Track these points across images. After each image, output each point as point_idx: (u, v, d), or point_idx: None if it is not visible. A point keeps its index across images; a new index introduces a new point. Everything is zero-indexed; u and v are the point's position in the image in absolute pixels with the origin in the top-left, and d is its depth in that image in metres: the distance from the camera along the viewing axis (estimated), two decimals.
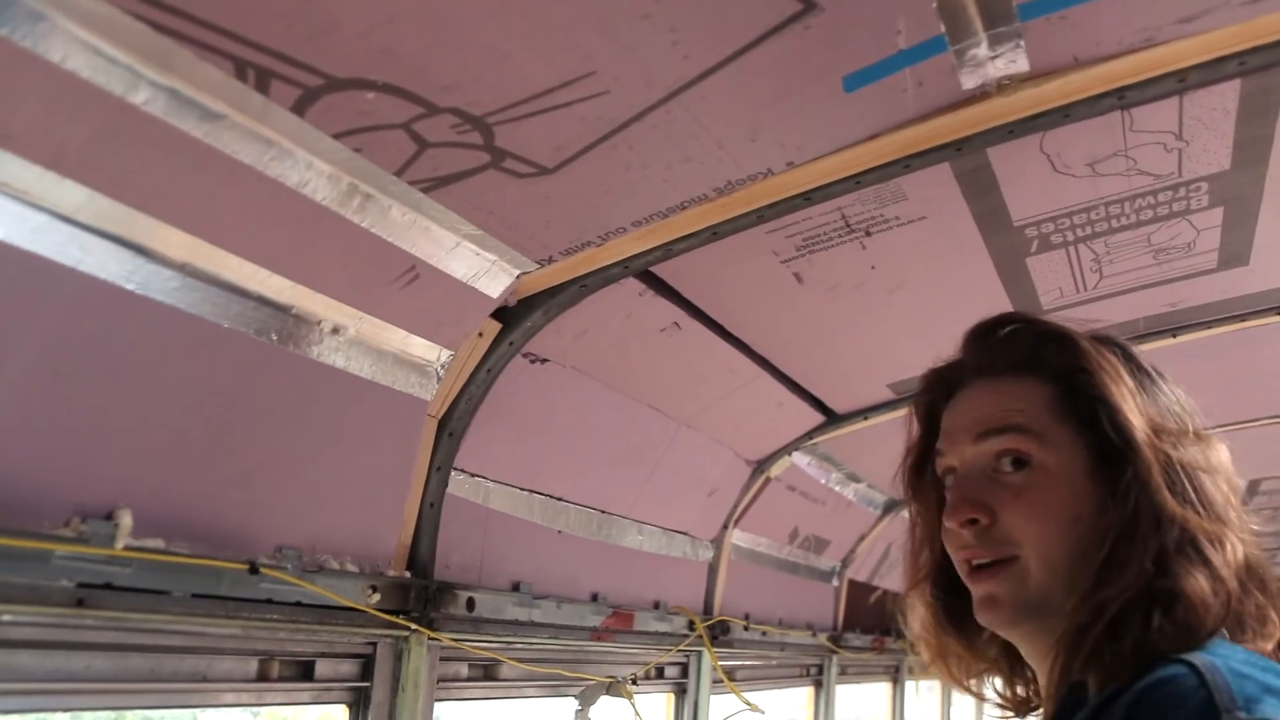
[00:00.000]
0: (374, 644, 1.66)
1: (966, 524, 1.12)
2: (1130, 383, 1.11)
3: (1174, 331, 2.37)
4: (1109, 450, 1.09)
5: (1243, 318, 2.31)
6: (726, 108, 1.30)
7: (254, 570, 1.38)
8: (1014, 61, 1.30)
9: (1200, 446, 1.10)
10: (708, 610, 2.84)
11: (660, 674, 2.69)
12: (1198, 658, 0.91)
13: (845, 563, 3.76)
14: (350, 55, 1.07)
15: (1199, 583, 0.99)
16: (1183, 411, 1.13)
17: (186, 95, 1.08)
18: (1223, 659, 0.91)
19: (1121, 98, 1.36)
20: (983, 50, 1.27)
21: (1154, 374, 1.15)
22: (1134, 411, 1.08)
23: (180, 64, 1.04)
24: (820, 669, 3.79)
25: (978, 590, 1.12)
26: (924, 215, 1.69)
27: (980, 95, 1.36)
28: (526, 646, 2.02)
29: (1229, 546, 1.03)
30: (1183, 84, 1.34)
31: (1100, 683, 0.97)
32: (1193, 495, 1.05)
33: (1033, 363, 1.16)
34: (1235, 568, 1.03)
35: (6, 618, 1.13)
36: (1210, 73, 1.32)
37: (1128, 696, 0.91)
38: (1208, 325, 2.35)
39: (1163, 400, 1.13)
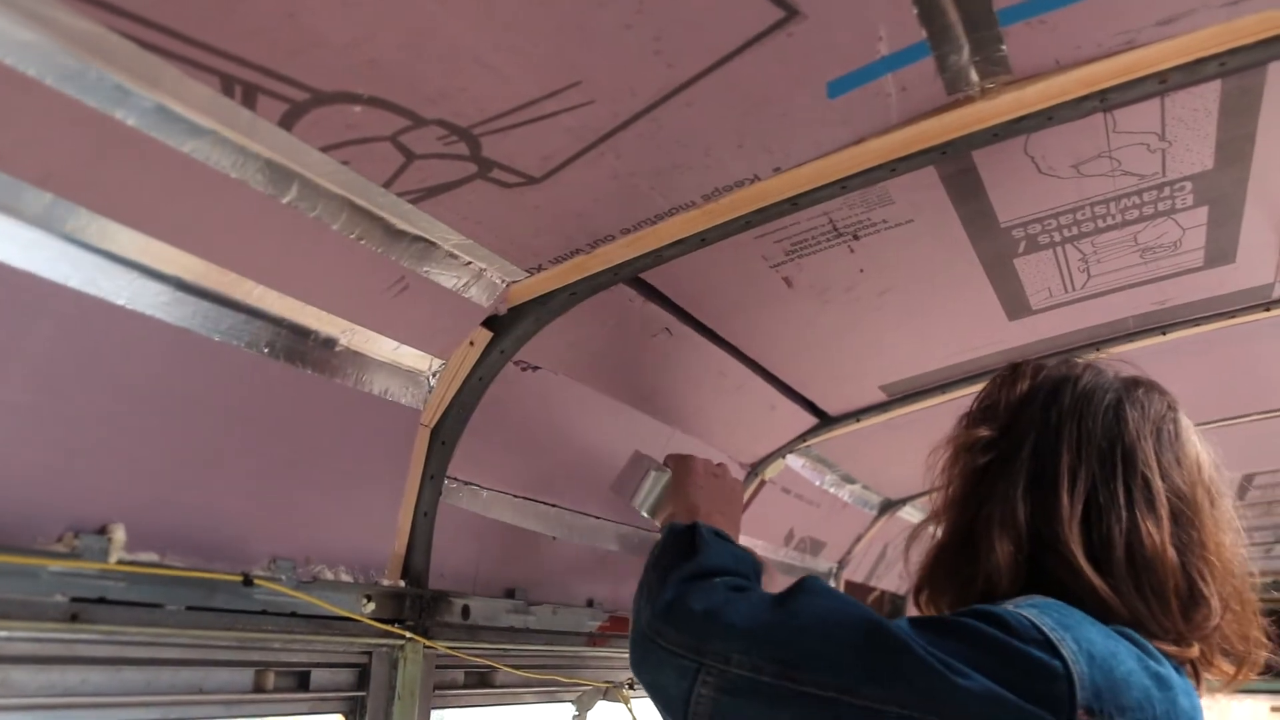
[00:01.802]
0: (369, 653, 1.66)
1: None
2: (988, 396, 1.48)
3: (1163, 329, 2.38)
4: None
5: (1231, 314, 2.32)
6: (712, 115, 1.30)
7: (248, 582, 1.39)
8: (996, 66, 1.31)
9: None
10: None
11: None
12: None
13: (842, 564, 3.76)
14: (336, 69, 1.08)
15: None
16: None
17: (174, 111, 1.08)
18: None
19: (1104, 100, 1.37)
20: (964, 55, 1.28)
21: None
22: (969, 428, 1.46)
23: (167, 81, 1.04)
24: None
25: None
26: (911, 218, 1.70)
27: (963, 99, 1.37)
28: (522, 653, 2.02)
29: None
30: (1164, 85, 1.35)
31: None
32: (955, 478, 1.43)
33: None
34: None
35: (1, 634, 1.14)
36: (1191, 74, 1.33)
37: None
38: (1196, 322, 2.36)
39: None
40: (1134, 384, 1.39)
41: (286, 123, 1.14)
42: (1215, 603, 1.26)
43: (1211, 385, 2.82)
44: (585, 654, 2.25)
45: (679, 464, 1.86)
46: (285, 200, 1.24)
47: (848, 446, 2.95)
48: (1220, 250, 1.97)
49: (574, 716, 2.27)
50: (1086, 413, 1.34)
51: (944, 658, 1.07)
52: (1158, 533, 1.25)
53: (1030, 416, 1.38)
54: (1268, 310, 2.30)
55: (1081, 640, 1.10)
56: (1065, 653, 1.07)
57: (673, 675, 1.23)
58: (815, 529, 3.38)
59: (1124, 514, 1.26)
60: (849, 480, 3.33)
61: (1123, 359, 1.46)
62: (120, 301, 1.19)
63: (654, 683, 1.29)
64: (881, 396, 2.68)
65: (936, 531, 1.44)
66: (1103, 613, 1.20)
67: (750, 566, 1.50)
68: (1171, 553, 1.25)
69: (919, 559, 1.45)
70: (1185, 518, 1.29)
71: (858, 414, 2.75)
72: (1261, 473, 3.85)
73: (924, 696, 1.05)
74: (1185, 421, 1.38)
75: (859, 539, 3.72)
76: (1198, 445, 1.36)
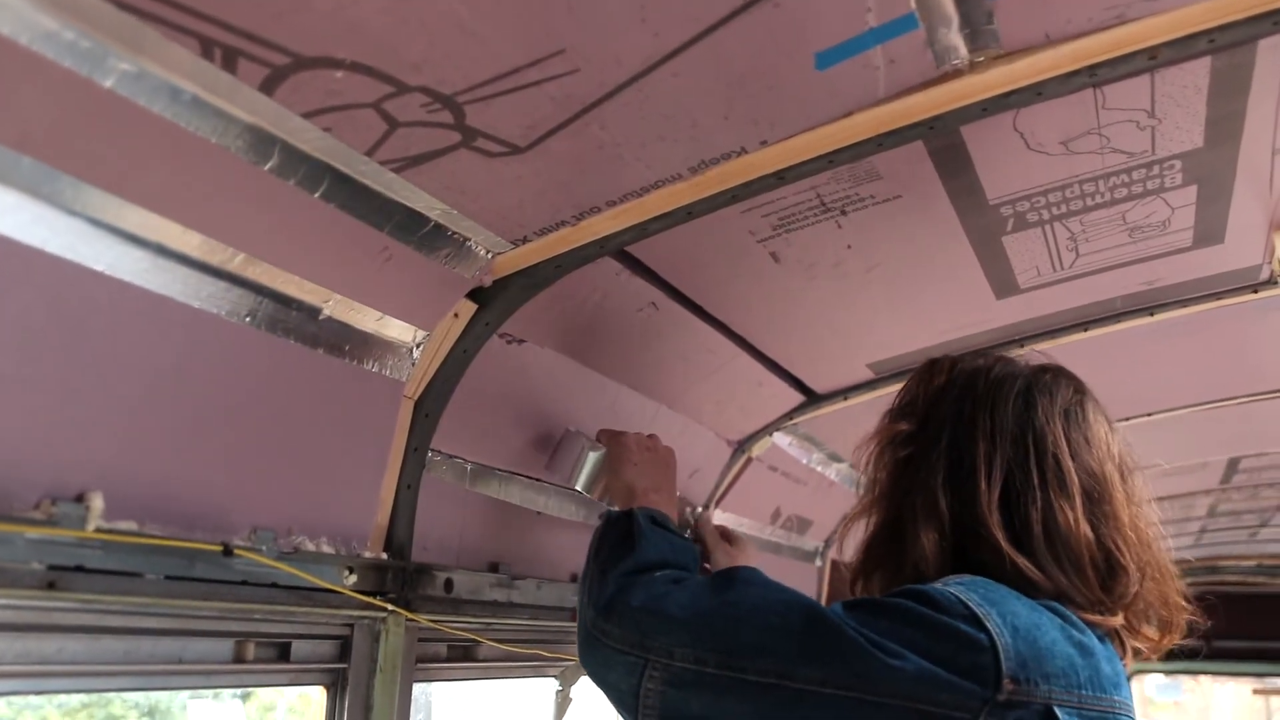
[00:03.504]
0: (351, 625, 1.66)
1: None
2: (900, 404, 1.57)
3: (1151, 310, 2.38)
4: None
5: (1218, 295, 2.32)
6: (698, 86, 1.29)
7: (228, 552, 1.38)
8: (985, 39, 1.30)
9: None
10: None
11: None
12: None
13: (828, 542, 3.77)
14: (317, 33, 1.07)
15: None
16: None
17: (153, 75, 1.07)
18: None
19: (1093, 75, 1.36)
20: (953, 27, 1.27)
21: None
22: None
23: (146, 43, 1.03)
24: None
25: None
26: (899, 194, 1.69)
27: (952, 73, 1.36)
28: (505, 627, 2.02)
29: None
30: (1154, 61, 1.34)
31: None
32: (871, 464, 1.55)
33: None
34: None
35: None
36: (1181, 50, 1.32)
37: None
38: (1184, 303, 2.36)
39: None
40: (1042, 371, 1.47)
41: (267, 87, 1.13)
42: (1134, 572, 1.34)
43: (1198, 367, 2.82)
44: (569, 629, 2.25)
45: (612, 441, 1.92)
46: (266, 167, 1.23)
47: (835, 425, 2.95)
48: (1209, 230, 1.97)
49: (557, 691, 2.27)
50: (998, 401, 1.42)
51: (876, 639, 1.14)
52: (1071, 511, 1.33)
53: (946, 409, 1.46)
54: (1255, 292, 2.30)
55: (1006, 614, 1.17)
56: (990, 626, 1.14)
57: (621, 672, 1.30)
58: (802, 507, 3.38)
59: (1039, 495, 1.34)
60: (836, 459, 3.33)
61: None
62: (99, 268, 1.17)
63: (604, 680, 1.36)
64: (869, 375, 2.68)
65: (869, 523, 1.53)
66: (1028, 589, 1.27)
67: (689, 555, 1.60)
68: (1085, 528, 1.33)
69: (855, 548, 1.55)
70: (1098, 494, 1.37)
71: (845, 392, 2.75)
72: (1247, 456, 3.87)
73: (858, 677, 1.13)
74: (1092, 404, 1.45)
75: (846, 518, 3.71)
76: (1105, 426, 1.44)
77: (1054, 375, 1.46)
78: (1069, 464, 1.37)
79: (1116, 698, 1.22)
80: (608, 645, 1.33)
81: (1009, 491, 1.35)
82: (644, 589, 1.36)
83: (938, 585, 1.23)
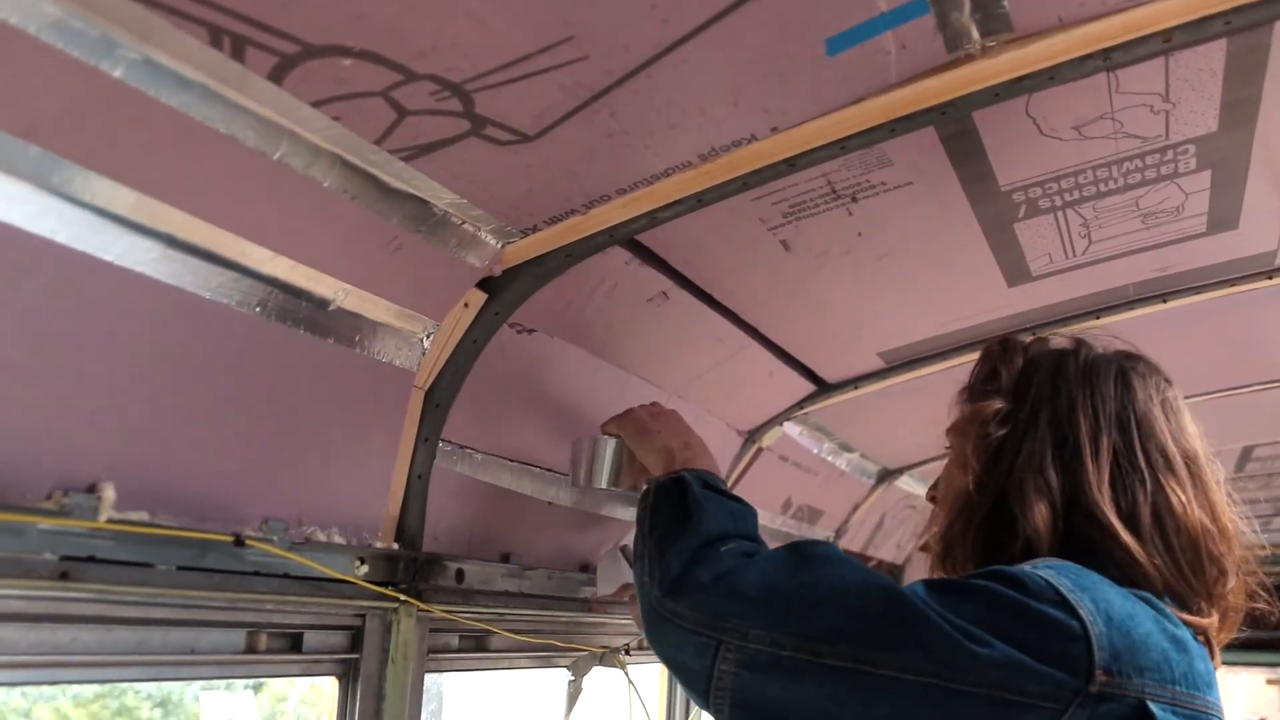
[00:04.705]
0: (363, 616, 1.66)
1: (931, 499, 1.62)
2: (983, 379, 1.50)
3: (1164, 297, 2.37)
4: None
5: (1232, 282, 2.30)
6: (708, 72, 1.29)
7: (240, 542, 1.38)
8: (997, 23, 1.29)
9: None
10: None
11: None
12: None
13: (839, 533, 3.77)
14: (326, 21, 1.06)
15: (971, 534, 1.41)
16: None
17: (162, 64, 1.07)
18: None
19: (1107, 59, 1.35)
20: (965, 11, 1.26)
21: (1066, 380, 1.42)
22: (972, 393, 1.50)
23: (155, 32, 1.02)
24: None
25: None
26: (910, 181, 1.68)
27: (964, 58, 1.35)
28: (517, 617, 2.02)
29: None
30: (1168, 44, 1.33)
31: None
32: (971, 450, 1.42)
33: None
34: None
35: None
36: (1196, 32, 1.31)
37: None
38: (1198, 290, 2.35)
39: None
40: (1132, 358, 1.45)
41: (276, 76, 1.12)
42: (1230, 568, 1.31)
43: (1212, 355, 2.81)
44: (581, 619, 2.25)
45: (622, 421, 1.86)
46: (275, 156, 1.23)
47: (846, 414, 2.94)
48: (1223, 216, 1.95)
49: (570, 681, 2.27)
50: (1096, 382, 1.39)
51: (961, 624, 1.08)
52: (1183, 494, 1.30)
53: (1039, 388, 1.41)
54: (1270, 278, 2.29)
55: (1099, 600, 1.11)
56: (1083, 613, 1.08)
57: (692, 653, 1.23)
58: (813, 497, 3.38)
59: (1147, 477, 1.31)
60: (847, 448, 3.32)
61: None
62: (109, 258, 1.17)
63: (674, 661, 1.29)
64: (880, 364, 2.67)
65: (954, 502, 1.46)
66: (1131, 576, 1.23)
67: (751, 520, 1.51)
68: (1197, 514, 1.30)
69: (936, 531, 1.49)
70: (1200, 482, 1.34)
71: (856, 381, 2.74)
72: (1261, 444, 3.85)
73: (941, 664, 1.06)
74: (1179, 394, 1.43)
75: (856, 508, 3.71)
76: (1190, 416, 1.42)
77: (1145, 363, 1.44)
78: (1173, 448, 1.34)
79: (1210, 698, 1.16)
80: (678, 625, 1.25)
81: (1116, 472, 1.32)
82: (712, 565, 1.29)
83: (1025, 567, 1.17)
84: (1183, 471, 1.33)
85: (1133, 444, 1.33)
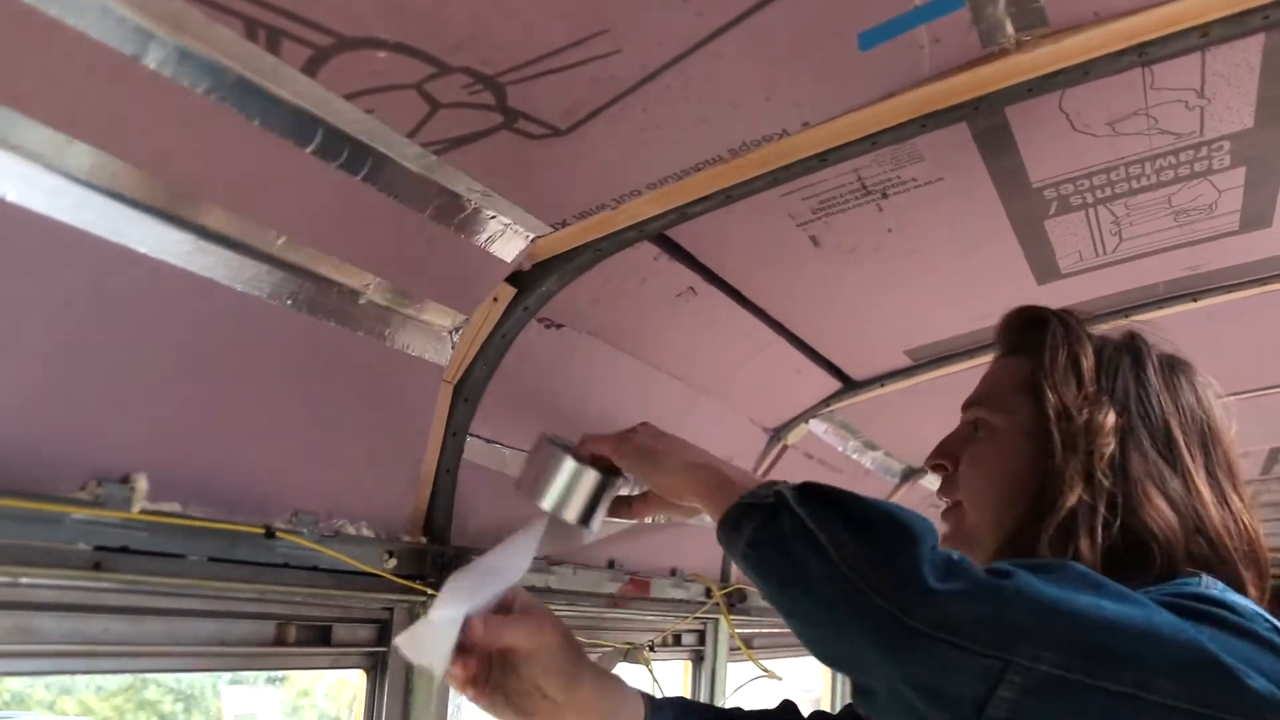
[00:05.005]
0: (390, 609, 1.67)
1: (936, 468, 1.44)
2: (1065, 364, 1.33)
3: (1194, 296, 2.35)
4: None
5: (1264, 281, 2.28)
6: (740, 67, 1.28)
7: (270, 534, 1.39)
8: (1032, 17, 1.29)
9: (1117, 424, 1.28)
10: (725, 577, 2.84)
11: (677, 641, 2.70)
12: None
13: None
14: (361, 13, 1.06)
15: (1082, 543, 1.23)
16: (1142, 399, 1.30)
17: (198, 55, 1.07)
18: None
19: (1142, 54, 1.34)
20: (1000, 6, 1.26)
21: (1138, 366, 1.33)
22: (1056, 388, 1.32)
23: (191, 23, 1.03)
24: None
25: (940, 527, 1.30)
26: (941, 176, 1.67)
27: (998, 53, 1.34)
28: None
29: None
30: (1205, 39, 1.32)
31: None
32: (1099, 464, 1.25)
33: (1021, 345, 1.42)
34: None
35: (25, 580, 1.14)
36: (1234, 27, 1.30)
37: None
38: (1229, 289, 2.32)
39: (1118, 385, 1.31)
40: (1184, 363, 1.39)
41: (310, 69, 1.13)
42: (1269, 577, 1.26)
43: (1242, 354, 2.78)
44: (606, 615, 2.25)
45: (621, 450, 1.42)
46: (309, 149, 1.23)
47: (871, 412, 2.93)
48: (1257, 213, 1.94)
49: None
50: (1175, 386, 1.33)
51: (1228, 652, 0.98)
52: (1249, 512, 1.27)
53: (1124, 382, 1.32)
54: None
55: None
56: None
57: (965, 678, 1.02)
58: None
59: (1223, 483, 1.27)
60: (871, 447, 3.31)
61: (1150, 327, 1.45)
62: (144, 250, 1.18)
63: (928, 684, 1.06)
64: (906, 361, 2.66)
65: (1012, 489, 1.32)
66: (1233, 586, 1.18)
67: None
68: (1251, 519, 1.26)
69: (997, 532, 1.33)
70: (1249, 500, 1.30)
71: (882, 379, 2.73)
72: None
73: (1219, 693, 0.96)
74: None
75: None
76: None
77: (1187, 363, 1.38)
78: (1238, 463, 1.30)
79: None
80: (950, 643, 1.02)
81: (1210, 480, 1.26)
82: (970, 571, 1.08)
83: (1217, 591, 1.10)
84: (1245, 488, 1.29)
85: (1209, 450, 1.29)
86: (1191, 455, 1.27)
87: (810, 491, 1.26)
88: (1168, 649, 0.99)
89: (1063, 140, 1.61)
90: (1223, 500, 1.26)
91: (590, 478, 1.39)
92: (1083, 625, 1.02)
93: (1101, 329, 1.44)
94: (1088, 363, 1.33)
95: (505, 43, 1.15)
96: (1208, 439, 1.30)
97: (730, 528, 1.26)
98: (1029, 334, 1.41)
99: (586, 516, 1.40)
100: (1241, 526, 1.25)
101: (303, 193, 1.30)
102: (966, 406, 1.44)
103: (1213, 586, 1.12)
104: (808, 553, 1.18)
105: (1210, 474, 1.28)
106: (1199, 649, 0.98)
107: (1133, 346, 1.37)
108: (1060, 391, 1.32)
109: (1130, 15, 1.29)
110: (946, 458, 1.43)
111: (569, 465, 1.38)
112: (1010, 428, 1.36)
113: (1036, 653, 1.00)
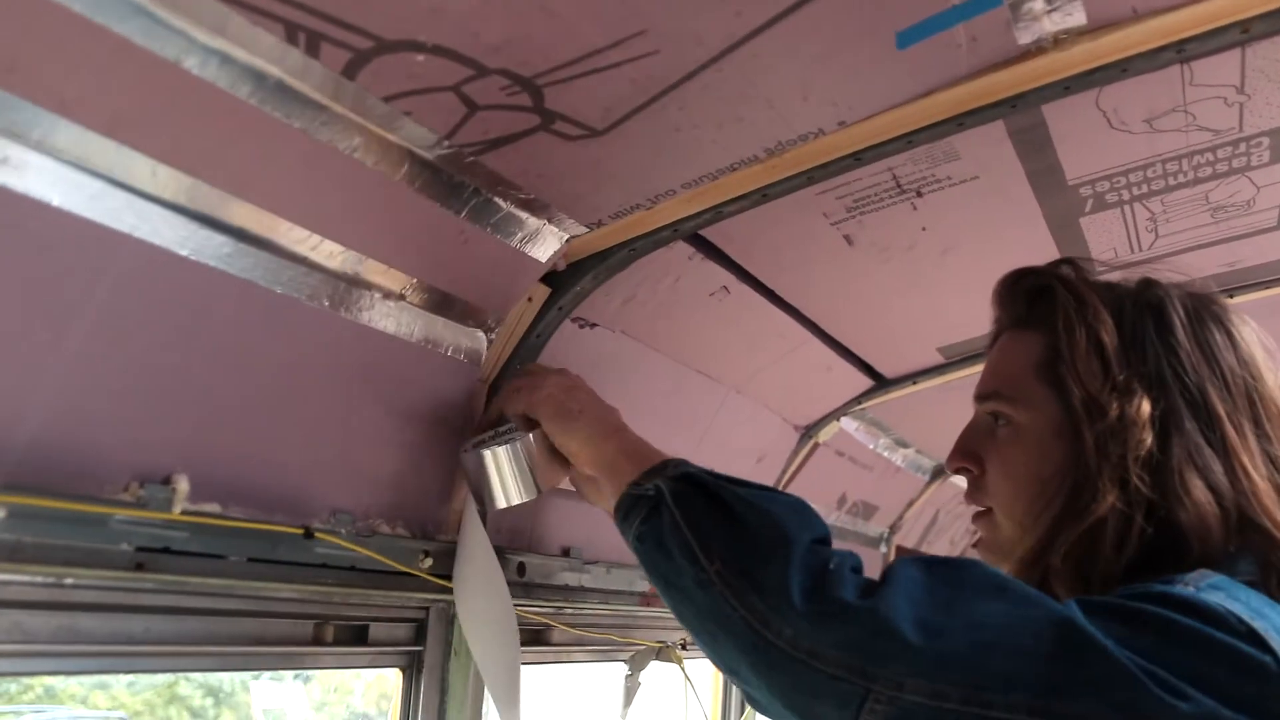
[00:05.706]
0: (426, 608, 1.67)
1: (960, 471, 1.35)
2: (1086, 347, 1.21)
3: (1231, 292, 2.32)
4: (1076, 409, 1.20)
5: None
6: (778, 66, 1.28)
7: (309, 535, 1.39)
8: (1070, 15, 1.28)
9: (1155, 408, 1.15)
10: None
11: None
12: None
13: (893, 528, 3.74)
14: (400, 16, 1.07)
15: (1109, 550, 1.13)
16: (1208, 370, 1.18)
17: (238, 60, 1.08)
18: None
19: (1181, 51, 1.33)
20: (1038, 4, 1.25)
21: (1183, 329, 1.21)
22: (1080, 380, 1.20)
23: (232, 28, 1.03)
24: None
25: (974, 532, 1.33)
26: (976, 175, 1.66)
27: (1035, 51, 1.33)
28: (577, 612, 2.03)
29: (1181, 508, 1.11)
30: (1246, 35, 1.31)
31: None
32: (1135, 466, 1.13)
33: (1030, 319, 1.33)
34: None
35: (69, 581, 1.15)
36: (1275, 22, 1.28)
37: None
38: (1266, 285, 2.30)
39: (1151, 353, 1.19)
40: (1212, 303, 1.26)
41: (350, 72, 1.13)
42: None
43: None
44: (639, 613, 2.25)
45: (536, 403, 1.48)
46: (347, 151, 1.24)
47: (902, 409, 2.92)
48: None
49: (627, 676, 2.27)
50: (1208, 344, 1.20)
51: (1145, 664, 0.88)
52: None
53: (1154, 351, 1.20)
54: None
55: (1276, 627, 0.93)
56: (1275, 645, 0.90)
57: (830, 704, 0.98)
58: (868, 493, 3.36)
59: (1273, 457, 1.16)
60: (902, 444, 3.30)
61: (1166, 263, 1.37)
62: (184, 253, 1.19)
63: (799, 707, 1.02)
64: (939, 359, 2.65)
65: (1041, 490, 1.22)
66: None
67: (810, 512, 1.22)
68: None
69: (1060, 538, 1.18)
70: None
71: (914, 376, 2.72)
72: None
73: (1125, 712, 0.86)
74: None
75: (911, 504, 3.69)
76: None
77: (1214, 300, 1.25)
78: None
79: None
80: (814, 668, 0.98)
81: (1262, 454, 1.14)
82: (838, 586, 1.03)
83: (1189, 590, 0.98)
84: None
85: (1257, 416, 1.16)
86: (1238, 428, 1.15)
87: (690, 484, 1.24)
88: (1058, 667, 0.90)
89: (1099, 137, 1.60)
90: (1275, 474, 1.14)
91: (504, 454, 1.48)
92: (958, 650, 0.94)
93: (1113, 278, 1.34)
94: (1110, 340, 1.21)
95: (543, 44, 1.16)
96: (1256, 403, 1.18)
97: (621, 518, 1.30)
98: (1037, 305, 1.32)
99: (532, 483, 1.52)
100: None
101: (341, 194, 1.30)
102: (982, 397, 1.35)
103: (1203, 580, 1.00)
104: (682, 556, 1.16)
105: (1261, 447, 1.16)
106: (1099, 664, 0.89)
107: (1154, 301, 1.25)
108: (1085, 383, 1.20)
109: (1169, 12, 1.28)
110: (970, 460, 1.33)
111: (484, 457, 1.50)
112: (1036, 425, 1.26)
113: (900, 680, 0.93)
